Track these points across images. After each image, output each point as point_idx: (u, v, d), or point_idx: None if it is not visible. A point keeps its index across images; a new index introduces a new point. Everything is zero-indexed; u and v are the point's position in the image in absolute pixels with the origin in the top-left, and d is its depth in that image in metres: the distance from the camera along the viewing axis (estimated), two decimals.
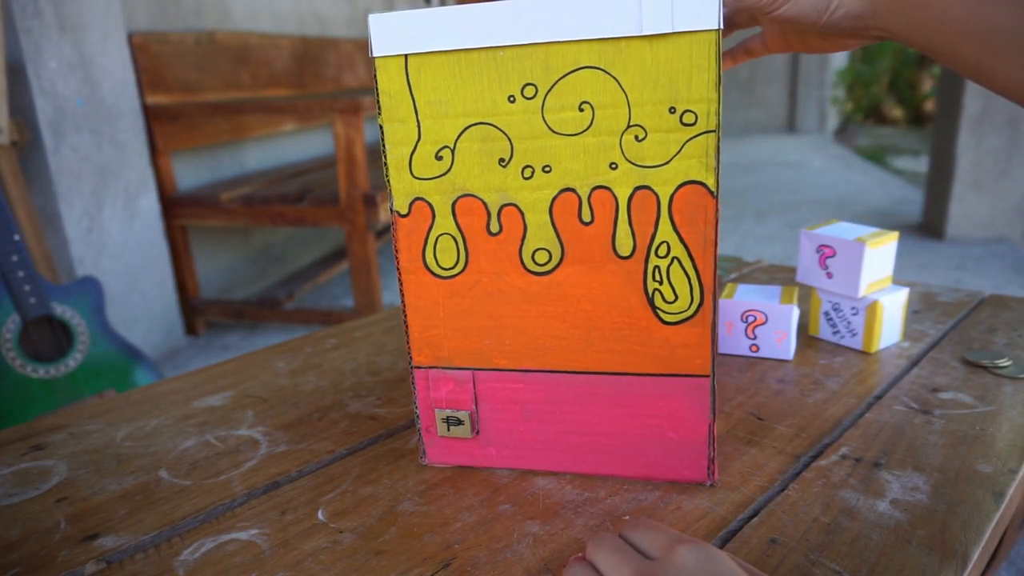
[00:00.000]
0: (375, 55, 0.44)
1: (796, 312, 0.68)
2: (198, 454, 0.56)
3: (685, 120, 0.41)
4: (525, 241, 0.46)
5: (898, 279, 0.79)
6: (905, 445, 0.52)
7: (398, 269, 0.48)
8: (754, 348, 0.69)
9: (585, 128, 0.43)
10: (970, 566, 0.40)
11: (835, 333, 0.71)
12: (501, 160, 0.45)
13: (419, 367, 0.51)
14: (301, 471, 0.53)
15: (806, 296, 0.84)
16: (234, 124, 2.61)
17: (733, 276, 0.95)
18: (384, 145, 0.46)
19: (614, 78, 0.42)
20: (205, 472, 0.54)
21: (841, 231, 0.69)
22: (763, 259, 1.04)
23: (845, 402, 0.59)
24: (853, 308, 0.69)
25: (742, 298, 0.68)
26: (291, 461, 0.55)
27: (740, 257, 1.04)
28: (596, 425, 0.49)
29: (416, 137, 0.45)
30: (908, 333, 0.73)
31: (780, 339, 0.67)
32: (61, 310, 1.53)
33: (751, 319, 0.68)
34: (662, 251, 0.44)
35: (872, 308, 0.67)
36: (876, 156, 6.13)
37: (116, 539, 0.46)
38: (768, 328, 0.67)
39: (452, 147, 0.45)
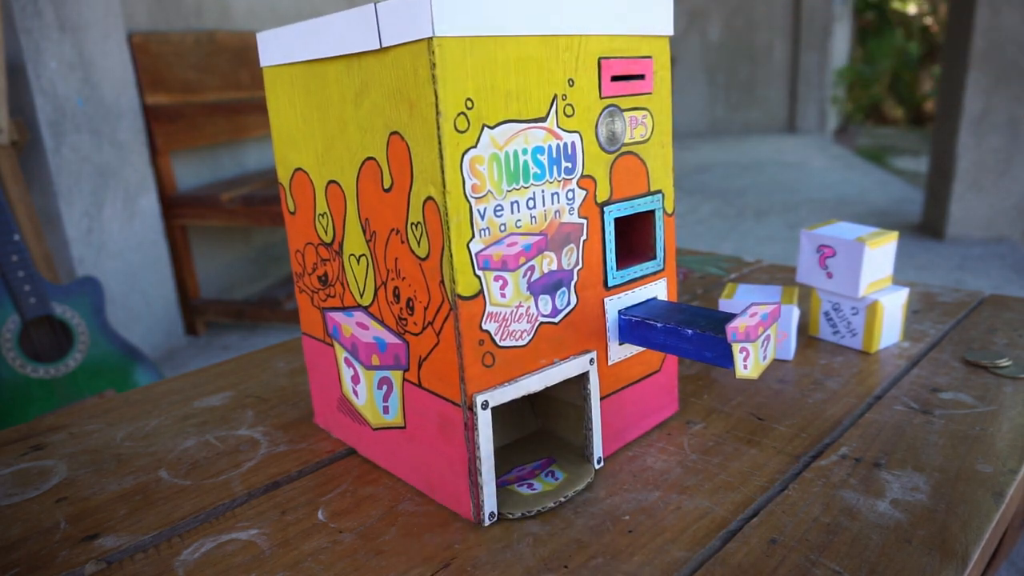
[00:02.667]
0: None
1: (796, 312, 0.68)
2: (198, 454, 0.56)
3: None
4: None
5: (898, 279, 0.79)
6: (905, 445, 0.52)
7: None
8: None
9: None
10: (970, 566, 0.40)
11: (835, 333, 0.71)
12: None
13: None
14: (301, 471, 0.53)
15: (806, 296, 0.84)
16: (234, 124, 2.62)
17: (733, 276, 0.95)
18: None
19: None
20: (205, 472, 0.54)
21: (841, 231, 0.69)
22: (763, 259, 1.04)
23: (845, 402, 0.59)
24: (853, 308, 0.69)
25: (742, 298, 0.68)
26: (291, 461, 0.55)
27: (740, 257, 1.04)
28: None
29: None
30: (908, 333, 0.73)
31: (780, 339, 0.67)
32: (61, 310, 1.53)
33: None
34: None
35: (872, 308, 0.67)
36: (876, 156, 6.13)
37: (116, 539, 0.46)
38: None
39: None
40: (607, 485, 0.49)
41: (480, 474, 0.44)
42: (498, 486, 0.48)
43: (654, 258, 0.53)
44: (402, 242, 0.44)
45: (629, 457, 0.52)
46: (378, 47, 0.41)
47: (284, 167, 0.54)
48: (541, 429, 0.56)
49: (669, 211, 0.53)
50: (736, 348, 0.43)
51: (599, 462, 0.51)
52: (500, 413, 0.53)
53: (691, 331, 0.46)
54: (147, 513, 0.49)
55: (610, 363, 0.51)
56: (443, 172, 0.39)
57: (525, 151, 0.42)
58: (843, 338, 0.70)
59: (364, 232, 0.47)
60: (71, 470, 0.55)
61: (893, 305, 0.68)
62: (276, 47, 0.51)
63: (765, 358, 0.45)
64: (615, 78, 0.47)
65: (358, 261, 0.49)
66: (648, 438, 0.55)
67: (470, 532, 0.45)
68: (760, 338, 0.44)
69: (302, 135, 0.51)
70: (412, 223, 0.43)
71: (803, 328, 0.75)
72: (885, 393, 0.60)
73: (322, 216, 0.51)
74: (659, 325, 0.48)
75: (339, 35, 0.44)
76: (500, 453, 0.52)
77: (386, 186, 0.44)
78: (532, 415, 0.56)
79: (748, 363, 0.44)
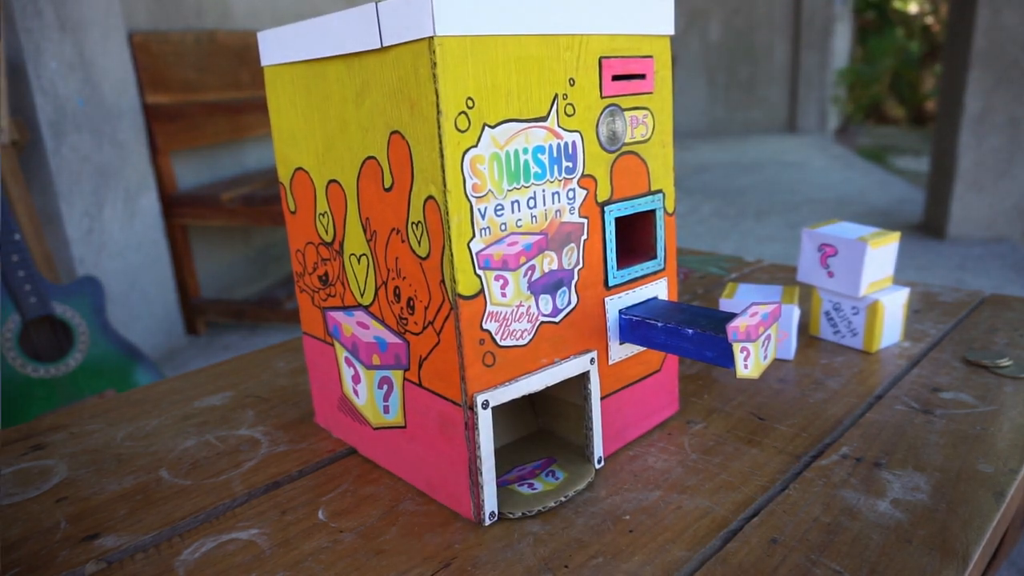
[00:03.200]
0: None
1: (797, 312, 0.68)
2: (198, 454, 0.56)
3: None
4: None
5: (899, 279, 0.79)
6: (906, 445, 0.52)
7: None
8: None
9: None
10: (971, 566, 0.40)
11: (836, 333, 0.71)
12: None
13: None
14: (301, 471, 0.53)
15: (807, 296, 0.83)
16: (234, 124, 2.62)
17: (733, 276, 0.95)
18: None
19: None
20: (205, 472, 0.54)
21: (842, 230, 0.69)
22: (763, 259, 1.04)
23: (846, 402, 0.59)
24: (854, 308, 0.69)
25: (742, 298, 0.68)
26: (291, 461, 0.55)
27: (740, 257, 1.04)
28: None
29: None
30: (909, 333, 0.73)
31: (781, 339, 0.67)
32: (61, 310, 1.53)
33: None
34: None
35: (873, 308, 0.67)
36: (877, 156, 6.13)
37: (116, 539, 0.46)
38: None
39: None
40: (607, 485, 0.49)
41: (480, 474, 0.44)
42: (498, 486, 0.48)
43: (655, 258, 0.53)
44: (403, 241, 0.44)
45: (630, 457, 0.52)
46: (379, 46, 0.41)
47: (285, 166, 0.54)
48: (541, 429, 0.56)
49: (670, 211, 0.53)
50: (737, 348, 0.43)
51: (599, 462, 0.51)
52: (500, 413, 0.53)
53: (692, 331, 0.46)
54: (147, 513, 0.49)
55: (610, 363, 0.51)
56: (444, 171, 0.39)
57: (526, 150, 0.42)
58: (844, 338, 0.70)
59: (365, 231, 0.47)
60: (71, 470, 0.55)
61: (894, 305, 0.68)
62: (277, 46, 0.51)
63: (766, 358, 0.45)
64: (616, 77, 0.47)
65: (359, 260, 0.49)
66: (648, 438, 0.55)
67: (470, 532, 0.44)
68: (761, 338, 0.44)
69: (303, 134, 0.51)
70: (413, 222, 0.43)
71: (804, 328, 0.75)
72: (886, 393, 0.60)
73: (323, 215, 0.51)
74: (660, 324, 0.48)
75: (340, 34, 0.44)
76: (500, 453, 0.52)
77: (387, 185, 0.44)
78: (532, 415, 0.56)
79: (749, 363, 0.44)
